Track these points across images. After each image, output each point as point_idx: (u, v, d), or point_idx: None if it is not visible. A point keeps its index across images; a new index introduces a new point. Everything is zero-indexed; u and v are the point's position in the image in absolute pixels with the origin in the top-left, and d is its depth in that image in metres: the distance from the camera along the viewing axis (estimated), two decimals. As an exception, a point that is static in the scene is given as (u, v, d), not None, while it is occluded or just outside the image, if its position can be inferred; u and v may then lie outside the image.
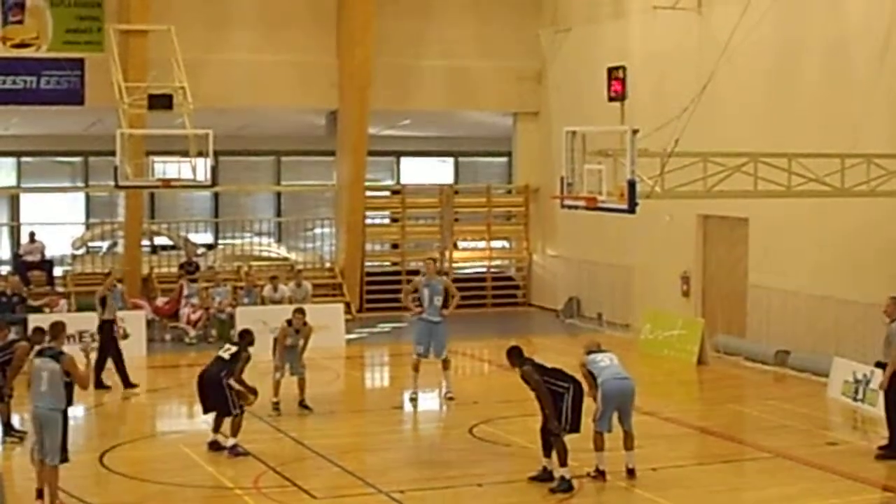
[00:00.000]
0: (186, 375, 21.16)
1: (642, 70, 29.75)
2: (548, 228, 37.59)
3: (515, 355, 17.70)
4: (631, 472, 17.89)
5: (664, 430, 21.35)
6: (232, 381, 18.89)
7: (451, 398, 23.50)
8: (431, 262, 24.84)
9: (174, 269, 35.47)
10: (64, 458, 16.00)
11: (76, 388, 15.99)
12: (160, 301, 32.60)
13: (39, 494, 16.07)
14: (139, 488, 17.47)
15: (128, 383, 25.15)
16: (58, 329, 16.50)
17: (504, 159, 42.75)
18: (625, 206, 20.76)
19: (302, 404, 22.13)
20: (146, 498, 17.04)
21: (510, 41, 37.15)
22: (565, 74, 35.88)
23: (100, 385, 24.33)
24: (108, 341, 25.53)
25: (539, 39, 37.16)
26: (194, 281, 32.75)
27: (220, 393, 18.93)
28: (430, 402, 22.55)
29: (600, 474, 17.80)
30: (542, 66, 37.27)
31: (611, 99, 22.82)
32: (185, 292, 31.95)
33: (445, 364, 23.71)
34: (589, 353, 18.44)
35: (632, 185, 20.48)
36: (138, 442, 20.08)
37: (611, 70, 23.01)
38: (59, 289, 33.74)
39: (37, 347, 16.99)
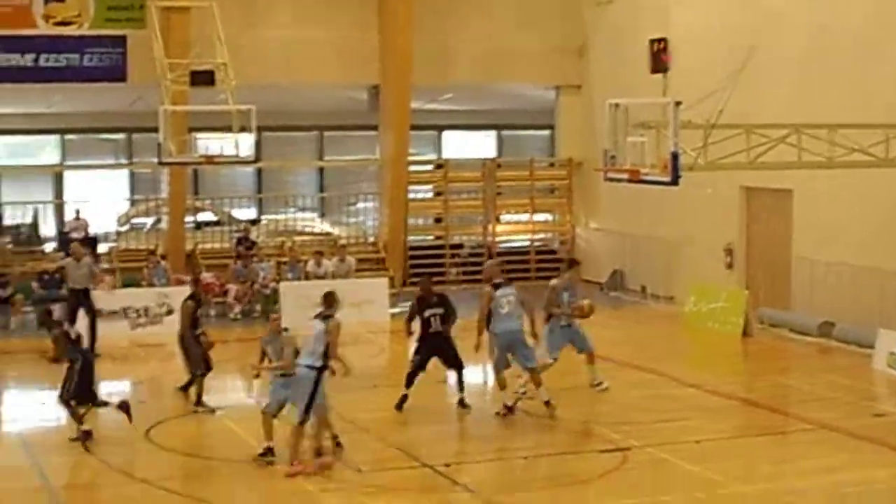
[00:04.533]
0: (233, 351, 21.25)
1: (684, 41, 29.62)
2: (591, 201, 37.53)
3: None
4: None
5: (708, 402, 21.33)
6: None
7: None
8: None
9: (217, 245, 35.63)
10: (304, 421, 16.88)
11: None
12: (205, 277, 32.75)
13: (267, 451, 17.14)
14: (185, 463, 17.60)
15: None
16: (332, 298, 17.43)
17: (547, 132, 42.62)
18: (668, 179, 20.69)
19: None
20: (192, 473, 17.17)
21: (552, 14, 37.04)
22: (607, 47, 35.73)
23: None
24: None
25: (581, 12, 37.06)
26: (249, 257, 32.80)
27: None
28: (474, 375, 22.54)
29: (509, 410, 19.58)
30: (584, 38, 37.14)
31: (653, 71, 22.80)
32: (236, 272, 32.11)
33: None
34: (495, 286, 19.75)
35: (675, 157, 20.41)
36: (184, 417, 20.19)
37: (653, 42, 22.96)
38: (104, 265, 33.93)
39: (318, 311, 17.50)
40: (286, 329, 17.34)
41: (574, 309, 20.58)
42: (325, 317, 17.18)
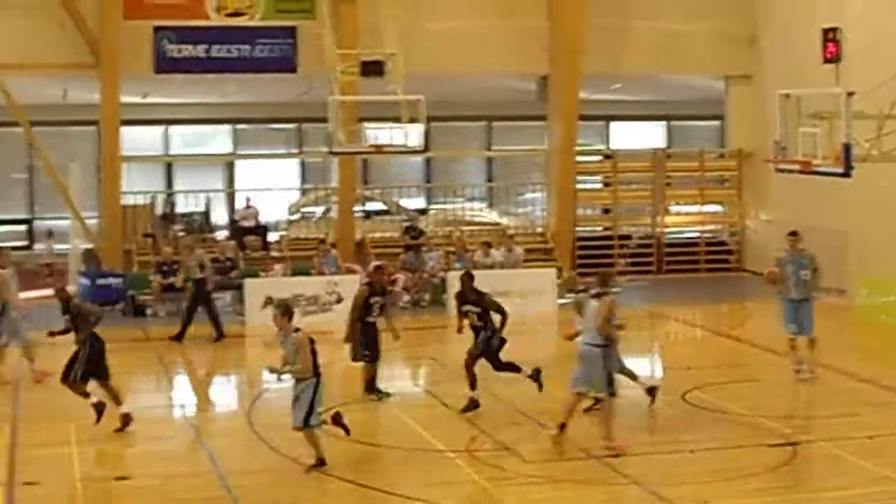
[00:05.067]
0: (401, 340, 21.34)
1: (857, 30, 29.04)
2: (761, 192, 37.04)
3: None
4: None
5: (882, 397, 20.89)
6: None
7: (806, 377, 22.12)
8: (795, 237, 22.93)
9: (387, 234, 35.92)
10: (612, 392, 17.47)
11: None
12: (373, 265, 33.02)
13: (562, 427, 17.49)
14: (352, 449, 17.75)
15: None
16: (607, 276, 18.08)
17: (716, 123, 42.24)
18: (840, 170, 20.36)
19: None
20: (359, 458, 17.30)
21: (722, 3, 36.65)
22: (778, 36, 35.22)
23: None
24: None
25: (751, 1, 36.59)
26: (417, 247, 33.04)
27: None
28: (642, 367, 22.37)
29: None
30: (755, 28, 36.67)
31: (825, 61, 22.37)
32: (405, 261, 32.39)
33: (811, 343, 22.19)
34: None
35: (847, 148, 20.07)
36: (353, 404, 20.37)
37: (825, 31, 22.55)
38: (275, 254, 34.41)
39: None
40: (297, 329, 16.79)
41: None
42: (599, 295, 17.54)
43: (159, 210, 37.30)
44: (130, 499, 15.05)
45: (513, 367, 20.18)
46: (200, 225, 37.29)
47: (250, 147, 43.59)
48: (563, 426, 17.47)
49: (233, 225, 37.01)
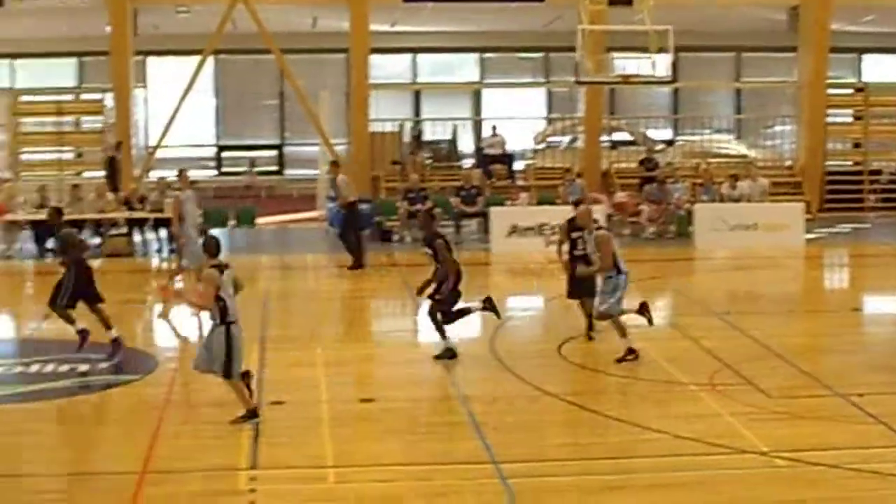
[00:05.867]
0: (646, 271, 21.23)
1: None
2: None
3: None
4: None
5: None
6: None
7: None
8: None
9: (633, 165, 35.70)
10: None
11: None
12: (619, 196, 32.90)
13: None
14: (594, 379, 17.77)
15: None
16: None
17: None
18: None
19: None
20: (600, 389, 17.31)
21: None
22: None
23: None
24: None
25: None
26: (661, 179, 32.79)
27: None
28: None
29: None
30: None
31: None
32: (650, 192, 32.16)
33: None
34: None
35: None
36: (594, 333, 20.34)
37: None
38: (520, 182, 34.52)
39: None
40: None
41: None
42: None
43: (407, 137, 37.71)
44: (374, 421, 15.32)
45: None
46: (447, 153, 37.60)
47: (497, 76, 43.70)
48: None
49: (479, 153, 37.22)
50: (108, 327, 19.13)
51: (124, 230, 30.94)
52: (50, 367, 18.20)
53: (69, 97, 38.18)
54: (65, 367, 18.11)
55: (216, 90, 40.85)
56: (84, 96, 38.87)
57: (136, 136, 37.06)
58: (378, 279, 27.13)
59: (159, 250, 30.94)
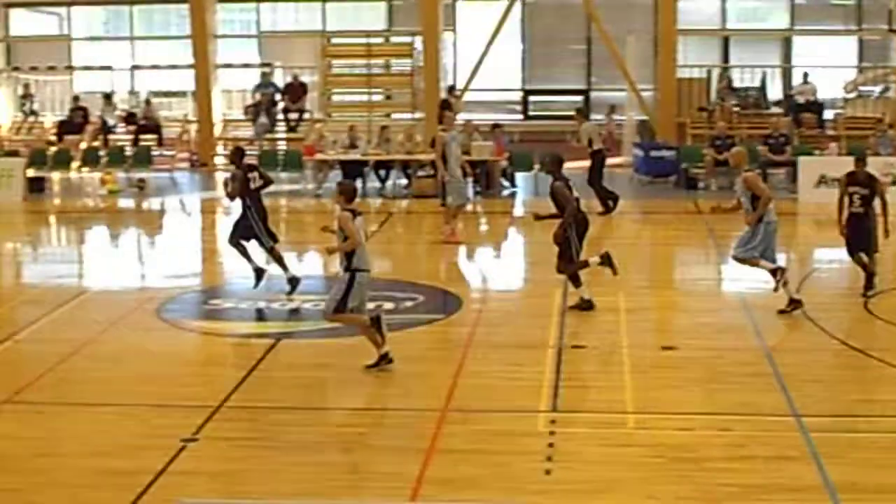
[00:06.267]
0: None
1: None
2: None
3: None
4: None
5: None
6: None
7: None
8: None
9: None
10: None
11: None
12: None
13: None
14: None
15: None
16: None
17: None
18: None
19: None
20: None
21: None
22: None
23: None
24: None
25: None
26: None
27: None
28: None
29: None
30: None
31: None
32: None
33: None
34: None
35: None
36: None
37: None
38: (829, 132, 33.74)
39: None
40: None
41: None
42: None
43: (714, 84, 37.24)
44: (675, 368, 15.26)
45: None
46: (756, 100, 37.01)
47: (808, 23, 42.66)
48: None
49: (788, 101, 36.52)
50: (285, 268, 19.58)
51: (431, 172, 31.45)
52: (357, 304, 18.67)
53: (379, 40, 38.90)
54: (370, 305, 18.56)
55: (523, 35, 41.00)
56: (394, 39, 39.54)
57: (443, 80, 37.56)
58: (680, 225, 26.96)
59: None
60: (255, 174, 19.88)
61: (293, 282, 19.40)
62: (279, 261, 19.70)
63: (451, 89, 35.66)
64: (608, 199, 27.73)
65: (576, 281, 18.28)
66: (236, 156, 20.21)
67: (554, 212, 18.38)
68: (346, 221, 14.92)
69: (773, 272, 17.80)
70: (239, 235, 19.73)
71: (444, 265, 22.95)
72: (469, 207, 27.14)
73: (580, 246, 18.16)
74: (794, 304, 17.83)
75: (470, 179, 28.01)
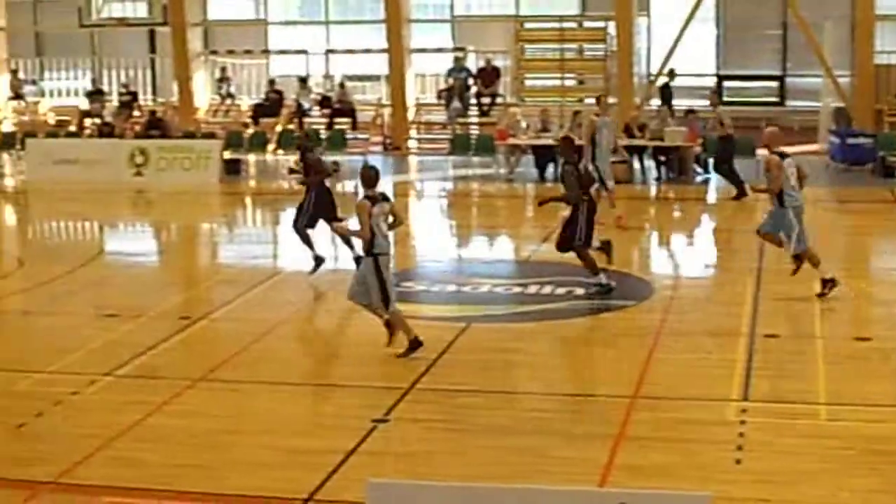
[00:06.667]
0: None
1: None
2: None
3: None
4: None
5: None
6: None
7: None
8: None
9: None
10: None
11: None
12: None
13: None
14: None
15: None
16: None
17: None
18: None
19: None
20: None
21: None
22: None
23: None
24: None
25: None
26: None
27: None
28: None
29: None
30: None
31: None
32: None
33: None
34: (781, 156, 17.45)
35: None
36: None
37: None
38: None
39: None
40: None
41: None
42: None
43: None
44: (868, 359, 14.92)
45: None
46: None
47: None
48: None
49: None
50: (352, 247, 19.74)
51: (623, 157, 31.30)
52: (547, 289, 18.72)
53: (572, 24, 38.80)
54: (561, 290, 18.58)
55: (717, 19, 40.49)
56: (587, 24, 39.39)
57: (637, 65, 37.33)
58: (877, 214, 26.42)
59: (658, 178, 31.10)
60: (315, 157, 20.75)
61: (318, 260, 20.09)
62: (306, 240, 20.28)
63: (672, 72, 35.21)
64: (740, 184, 27.22)
65: (590, 264, 18.37)
66: (305, 143, 21.17)
67: (556, 195, 18.75)
68: (361, 209, 15.02)
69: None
70: (304, 223, 20.25)
71: (635, 251, 22.84)
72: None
73: (590, 230, 18.30)
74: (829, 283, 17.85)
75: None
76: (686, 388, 13.75)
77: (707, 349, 15.35)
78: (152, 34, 42.95)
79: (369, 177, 15.33)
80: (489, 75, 37.72)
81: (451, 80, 37.83)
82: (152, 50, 43.42)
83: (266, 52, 42.14)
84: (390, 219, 15.25)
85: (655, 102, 34.78)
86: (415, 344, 15.11)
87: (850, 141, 32.36)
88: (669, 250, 23.34)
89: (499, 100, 37.76)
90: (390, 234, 15.40)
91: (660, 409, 13.08)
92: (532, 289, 18.78)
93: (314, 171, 20.30)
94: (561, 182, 18.65)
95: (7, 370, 15.04)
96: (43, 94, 43.57)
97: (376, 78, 40.54)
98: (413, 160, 37.11)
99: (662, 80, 35.04)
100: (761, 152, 20.61)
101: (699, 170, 31.64)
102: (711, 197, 29.44)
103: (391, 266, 15.44)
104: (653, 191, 30.45)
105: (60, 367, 14.99)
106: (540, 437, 12.40)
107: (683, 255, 23.02)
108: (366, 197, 15.15)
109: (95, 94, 40.15)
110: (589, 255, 18.31)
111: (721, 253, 23.31)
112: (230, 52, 41.57)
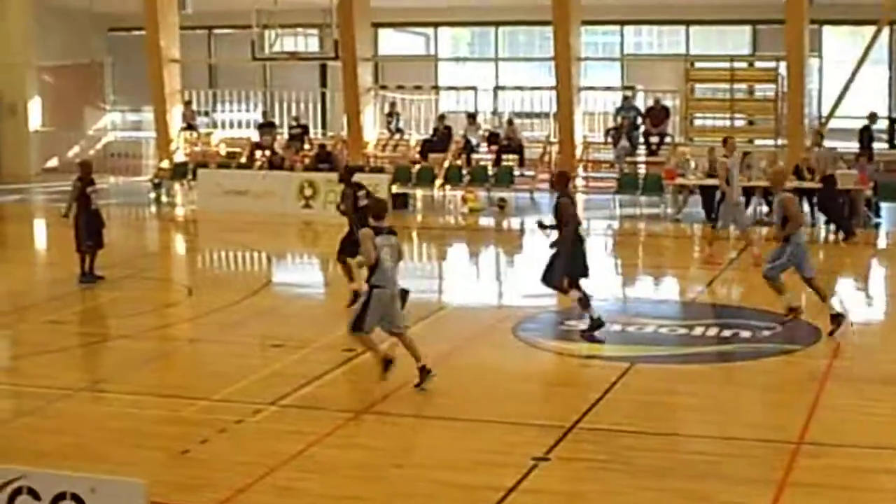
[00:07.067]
0: None
1: None
2: None
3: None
4: None
5: None
6: None
7: None
8: None
9: None
10: None
11: None
12: None
13: None
14: None
15: None
16: None
17: None
18: None
19: None
20: None
21: None
22: None
23: None
24: None
25: None
26: None
27: None
28: None
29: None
30: None
31: None
32: None
33: None
34: None
35: None
36: None
37: None
38: None
39: None
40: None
41: None
42: None
43: None
44: None
45: None
46: None
47: None
48: None
49: None
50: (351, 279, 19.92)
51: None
52: (713, 331, 18.57)
53: (743, 64, 38.48)
54: (727, 332, 18.42)
55: (890, 61, 39.87)
56: (758, 64, 39.03)
57: (808, 106, 36.85)
58: None
59: (828, 222, 30.45)
60: (363, 192, 20.50)
61: (356, 295, 19.44)
62: (348, 272, 20.24)
63: (873, 116, 34.76)
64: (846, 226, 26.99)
65: (579, 300, 18.37)
66: (346, 174, 21.15)
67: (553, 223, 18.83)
68: (364, 238, 15.15)
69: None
70: (347, 253, 20.11)
71: (802, 295, 22.52)
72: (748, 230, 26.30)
73: (581, 264, 18.43)
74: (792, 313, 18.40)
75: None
76: (852, 436, 13.53)
77: (875, 397, 15.09)
78: (323, 68, 43.58)
79: (377, 208, 15.68)
80: (658, 114, 37.54)
81: (619, 119, 37.73)
82: (323, 84, 44.06)
83: (435, 87, 42.49)
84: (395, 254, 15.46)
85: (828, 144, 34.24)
86: (386, 363, 15.36)
87: None
88: (838, 295, 22.96)
89: (667, 139, 37.56)
90: (396, 269, 15.54)
91: (825, 456, 12.89)
92: (697, 330, 18.64)
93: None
94: (554, 215, 18.79)
95: (173, 396, 15.35)
96: (215, 126, 44.38)
97: (545, 115, 40.59)
98: (580, 198, 37.05)
99: (863, 122, 34.36)
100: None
101: (870, 214, 31.05)
102: (882, 243, 28.91)
103: (393, 302, 15.57)
104: (822, 234, 29.94)
105: (225, 395, 15.26)
106: (703, 480, 12.29)
107: (854, 300, 22.63)
108: (371, 227, 15.37)
109: (266, 127, 40.77)
110: (572, 291, 18.41)
111: (891, 298, 22.91)
112: (400, 88, 41.97)
